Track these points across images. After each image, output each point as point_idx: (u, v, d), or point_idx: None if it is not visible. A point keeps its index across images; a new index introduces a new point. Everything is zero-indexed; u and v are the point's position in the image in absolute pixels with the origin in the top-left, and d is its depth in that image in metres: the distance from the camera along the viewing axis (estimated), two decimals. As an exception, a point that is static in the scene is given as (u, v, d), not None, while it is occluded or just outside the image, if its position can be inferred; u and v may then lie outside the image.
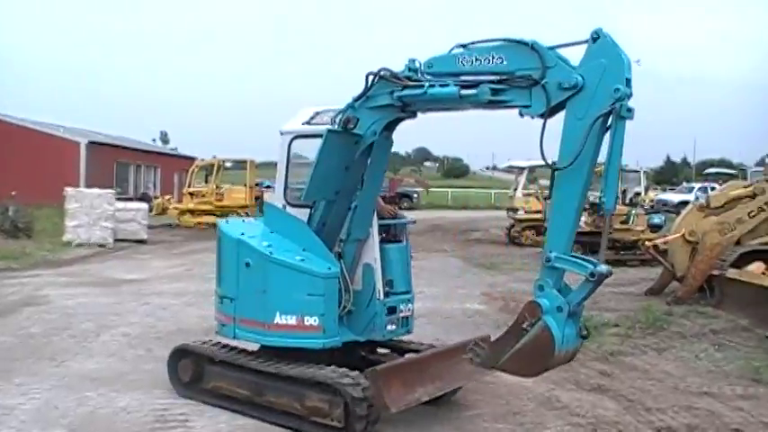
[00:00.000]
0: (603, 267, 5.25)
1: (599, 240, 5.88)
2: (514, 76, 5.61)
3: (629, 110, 5.21)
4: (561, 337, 5.32)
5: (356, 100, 6.39)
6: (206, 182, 33.97)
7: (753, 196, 14.48)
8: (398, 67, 6.25)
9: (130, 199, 34.68)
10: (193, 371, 7.31)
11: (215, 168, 32.79)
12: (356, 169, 6.61)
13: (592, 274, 5.21)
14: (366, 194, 6.78)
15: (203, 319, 11.12)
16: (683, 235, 14.24)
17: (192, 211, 31.79)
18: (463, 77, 5.92)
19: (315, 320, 6.52)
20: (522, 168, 27.91)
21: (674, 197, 43.83)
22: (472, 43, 5.90)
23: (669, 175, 72.90)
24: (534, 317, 5.43)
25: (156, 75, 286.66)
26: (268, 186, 43.24)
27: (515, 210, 26.64)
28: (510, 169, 35.40)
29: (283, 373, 6.51)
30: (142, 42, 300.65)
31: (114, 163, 43.33)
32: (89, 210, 22.74)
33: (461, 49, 5.94)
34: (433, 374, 6.56)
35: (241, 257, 6.74)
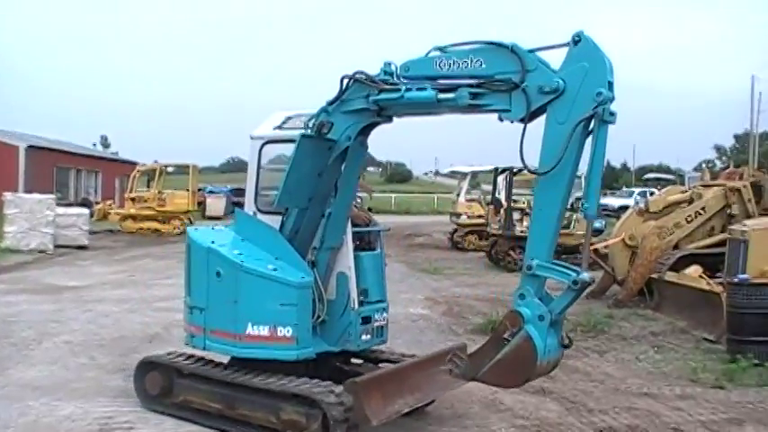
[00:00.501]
0: (586, 275, 5.23)
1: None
2: (494, 80, 5.54)
3: (612, 113, 5.20)
4: (543, 347, 5.26)
5: (330, 104, 6.25)
6: (148, 187, 33.58)
7: (690, 201, 15.25)
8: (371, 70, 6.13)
9: (71, 204, 34.02)
10: (162, 384, 7.05)
11: (157, 173, 32.38)
12: (330, 175, 6.46)
13: (575, 282, 5.17)
14: (340, 201, 6.62)
15: (146, 326, 11.20)
16: (623, 239, 14.77)
17: (133, 217, 31.42)
18: (441, 81, 5.83)
19: (288, 331, 6.33)
20: (465, 174, 28.39)
21: (614, 201, 44.83)
22: (450, 46, 5.82)
23: (610, 179, 74.81)
24: (515, 326, 5.36)
25: (95, 78, 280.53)
26: (211, 192, 42.79)
27: (458, 215, 26.97)
28: (453, 174, 35.79)
29: (259, 385, 6.32)
30: (79, 44, 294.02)
31: (54, 167, 42.10)
32: (29, 215, 22.41)
33: (439, 52, 5.84)
34: (412, 385, 6.44)
35: (211, 267, 6.52)
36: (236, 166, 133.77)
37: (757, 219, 13.27)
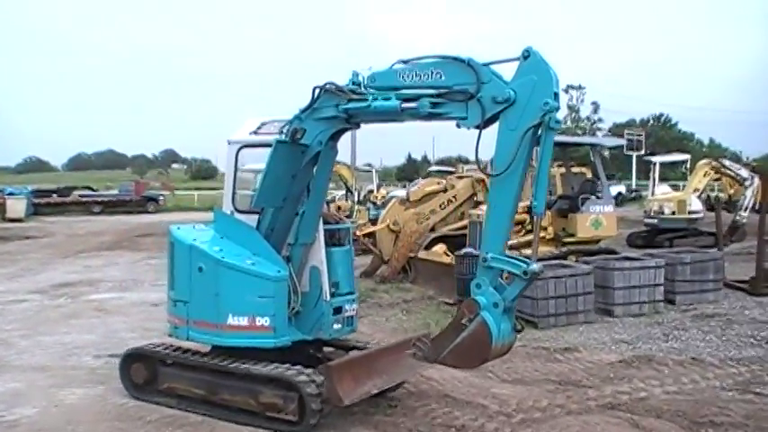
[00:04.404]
0: (535, 266, 5.74)
1: None
2: (452, 91, 6.05)
3: (558, 121, 5.70)
4: (498, 332, 5.77)
5: (303, 111, 6.76)
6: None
7: (445, 191, 17.56)
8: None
9: None
10: (146, 373, 7.55)
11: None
12: (302, 177, 6.98)
13: (525, 273, 5.69)
14: (312, 201, 7.15)
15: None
16: (388, 225, 16.62)
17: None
18: (404, 91, 6.34)
19: (266, 321, 6.87)
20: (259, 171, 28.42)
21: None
22: (413, 59, 6.33)
23: (410, 171, 76.47)
24: (472, 313, 5.87)
25: None
26: (11, 193, 41.23)
27: None
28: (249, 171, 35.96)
29: (238, 371, 6.84)
30: None
31: None
32: None
33: (402, 65, 6.36)
34: (380, 369, 6.97)
35: (194, 262, 7.04)
36: (34, 167, 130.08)
37: None
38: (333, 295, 7.34)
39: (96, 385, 8.33)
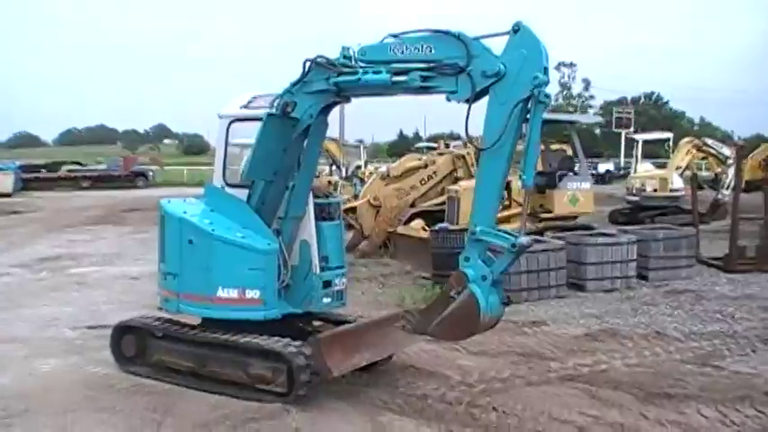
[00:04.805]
0: (524, 239, 5.80)
1: None
2: (442, 64, 6.07)
3: (547, 95, 5.73)
4: (486, 304, 5.83)
5: (294, 85, 6.76)
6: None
7: (425, 166, 17.79)
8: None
9: None
10: (137, 345, 7.59)
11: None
12: (293, 151, 6.99)
13: (513, 245, 5.75)
14: (303, 175, 7.17)
15: None
16: (368, 200, 16.76)
17: None
18: (394, 65, 6.35)
19: (256, 294, 6.90)
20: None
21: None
22: (403, 33, 6.34)
23: (402, 147, 76.90)
24: (460, 285, 5.92)
25: None
26: None
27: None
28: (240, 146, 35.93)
29: (228, 343, 6.89)
30: None
31: None
32: None
33: (393, 39, 6.37)
34: (369, 342, 7.04)
35: (184, 235, 7.06)
36: (25, 142, 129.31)
37: (468, 180, 15.60)
38: (322, 269, 7.37)
39: (71, 355, 8.49)
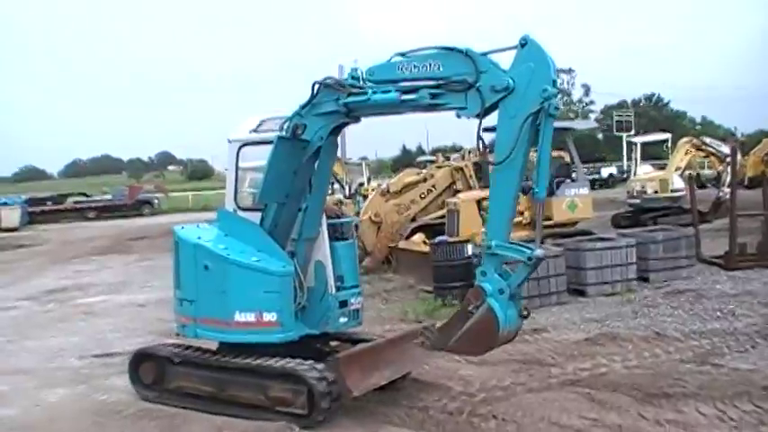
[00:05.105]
0: (539, 252, 5.81)
1: None
2: (451, 81, 6.10)
3: (557, 108, 5.77)
4: (504, 318, 5.82)
5: (303, 107, 6.80)
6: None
7: (424, 180, 17.83)
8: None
9: None
10: (155, 373, 7.58)
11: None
12: (304, 173, 7.01)
13: (529, 258, 5.75)
14: (315, 196, 7.19)
15: None
16: (369, 217, 16.79)
17: None
18: (403, 83, 6.39)
19: (273, 316, 6.91)
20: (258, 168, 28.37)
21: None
22: (410, 51, 6.37)
23: (406, 162, 77.09)
24: (478, 300, 5.91)
25: None
26: (5, 203, 40.73)
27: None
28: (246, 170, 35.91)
29: (247, 366, 6.88)
30: None
31: None
32: None
33: (400, 58, 6.40)
34: (387, 361, 7.03)
35: (199, 261, 7.08)
36: (30, 175, 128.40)
37: (467, 192, 15.80)
38: (338, 289, 7.38)
39: (78, 384, 8.54)
